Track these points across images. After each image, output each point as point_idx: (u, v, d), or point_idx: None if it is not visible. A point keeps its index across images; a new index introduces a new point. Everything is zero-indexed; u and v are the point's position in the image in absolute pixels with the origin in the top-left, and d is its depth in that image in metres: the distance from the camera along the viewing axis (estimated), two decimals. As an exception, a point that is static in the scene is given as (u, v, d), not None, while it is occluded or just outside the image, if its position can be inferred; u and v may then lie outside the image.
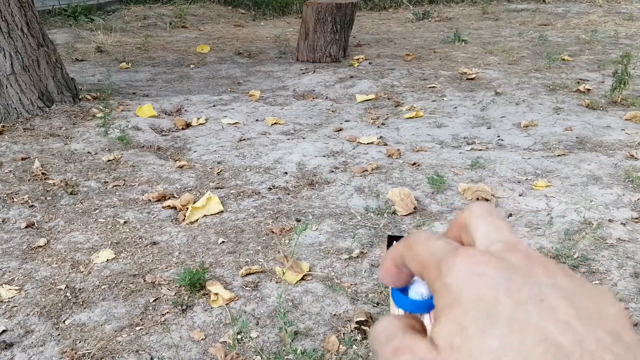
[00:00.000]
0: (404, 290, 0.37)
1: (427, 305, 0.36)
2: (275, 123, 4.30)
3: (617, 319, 0.27)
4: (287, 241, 2.69)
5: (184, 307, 2.24)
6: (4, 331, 2.12)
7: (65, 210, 3.03)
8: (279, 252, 2.60)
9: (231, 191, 3.21)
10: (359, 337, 2.07)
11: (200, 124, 4.29)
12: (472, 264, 0.29)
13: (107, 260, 2.57)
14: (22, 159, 3.58)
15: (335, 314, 2.19)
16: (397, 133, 4.11)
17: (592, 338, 0.26)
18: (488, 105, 4.63)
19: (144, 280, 2.42)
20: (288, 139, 3.99)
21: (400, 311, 0.37)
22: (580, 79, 5.26)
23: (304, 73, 5.71)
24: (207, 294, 2.30)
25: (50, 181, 3.31)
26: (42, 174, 3.37)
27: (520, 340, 0.26)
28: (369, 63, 6.02)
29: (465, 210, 0.34)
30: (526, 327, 0.26)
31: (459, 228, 0.34)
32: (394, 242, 0.44)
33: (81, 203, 3.09)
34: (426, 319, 0.37)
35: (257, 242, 2.70)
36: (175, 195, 3.16)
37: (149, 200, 3.11)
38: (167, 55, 6.59)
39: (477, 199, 3.00)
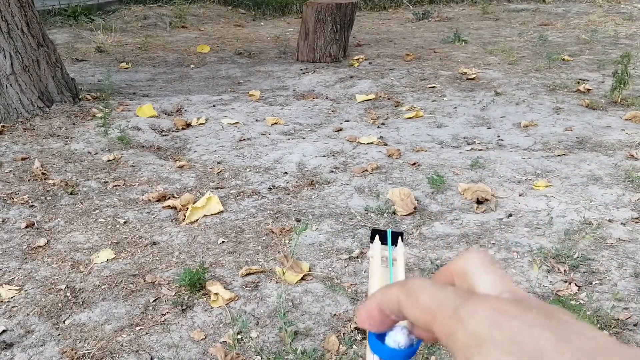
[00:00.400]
0: (380, 336, 0.36)
1: (405, 355, 0.36)
2: (275, 123, 4.30)
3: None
4: (287, 241, 2.69)
5: (184, 307, 2.24)
6: (4, 331, 2.12)
7: (65, 210, 3.03)
8: (279, 252, 2.60)
9: (231, 191, 3.21)
10: (359, 337, 2.07)
11: (200, 124, 4.29)
12: (497, 308, 0.29)
13: (107, 260, 2.57)
14: (22, 159, 3.58)
15: (335, 314, 2.19)
16: (397, 133, 4.11)
17: None
18: (488, 105, 4.63)
19: (144, 280, 2.42)
20: (288, 139, 3.99)
21: (376, 358, 0.36)
22: (580, 79, 5.26)
23: (304, 73, 5.72)
24: (207, 294, 2.30)
25: (50, 181, 3.31)
26: (42, 174, 3.37)
27: None
28: (369, 63, 6.02)
29: (462, 259, 0.35)
30: (577, 356, 0.26)
31: (453, 275, 0.34)
32: (377, 236, 0.43)
33: (81, 203, 3.09)
34: None
35: (257, 242, 2.70)
36: (175, 195, 3.16)
37: (149, 200, 3.11)
38: (167, 55, 6.59)
39: (477, 199, 3.00)
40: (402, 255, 0.42)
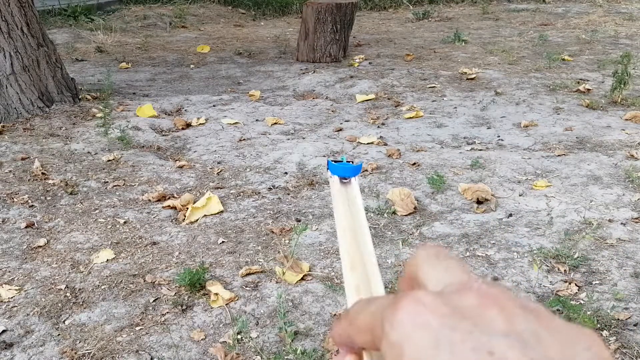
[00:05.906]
0: None
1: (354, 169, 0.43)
2: (275, 123, 4.30)
3: None
4: (287, 241, 2.69)
5: (184, 307, 2.24)
6: (4, 331, 2.12)
7: (65, 210, 3.02)
8: (279, 252, 2.60)
9: (231, 191, 3.21)
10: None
11: (200, 124, 4.29)
12: (414, 313, 0.25)
13: (107, 260, 2.57)
14: (22, 159, 3.58)
15: (335, 314, 2.19)
16: (397, 133, 4.11)
17: None
18: (488, 105, 4.63)
19: (144, 280, 2.42)
20: (288, 139, 3.99)
21: (335, 177, 0.41)
22: (580, 79, 5.25)
23: (304, 73, 5.71)
24: (207, 294, 2.30)
25: (50, 181, 3.31)
26: (42, 174, 3.37)
27: None
28: (369, 63, 6.02)
29: (410, 259, 0.31)
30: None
31: (409, 280, 0.31)
32: (331, 162, 0.50)
33: (81, 203, 3.09)
34: None
35: (257, 242, 2.70)
36: (175, 195, 3.16)
37: (149, 200, 3.11)
38: (167, 55, 6.59)
39: (477, 199, 3.00)
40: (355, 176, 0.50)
